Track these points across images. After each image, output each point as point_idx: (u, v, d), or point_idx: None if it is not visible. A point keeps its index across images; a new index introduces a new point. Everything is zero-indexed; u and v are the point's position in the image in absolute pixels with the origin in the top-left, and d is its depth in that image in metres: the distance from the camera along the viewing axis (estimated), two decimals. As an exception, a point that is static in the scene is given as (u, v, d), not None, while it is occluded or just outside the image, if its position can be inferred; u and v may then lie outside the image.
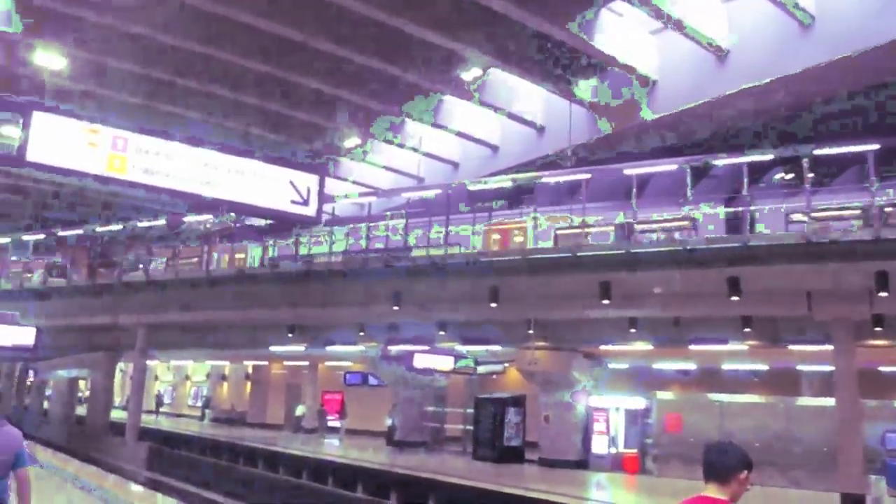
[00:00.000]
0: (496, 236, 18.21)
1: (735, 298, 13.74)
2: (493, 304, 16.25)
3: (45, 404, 37.87)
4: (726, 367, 20.40)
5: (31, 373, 35.44)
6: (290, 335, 22.15)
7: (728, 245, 13.97)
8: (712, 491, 3.07)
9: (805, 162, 13.88)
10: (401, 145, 24.93)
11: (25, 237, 28.06)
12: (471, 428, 22.46)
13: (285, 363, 33.45)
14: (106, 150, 6.27)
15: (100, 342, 26.79)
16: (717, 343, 17.26)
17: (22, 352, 22.41)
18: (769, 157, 15.58)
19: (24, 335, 21.05)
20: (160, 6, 17.04)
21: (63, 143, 6.17)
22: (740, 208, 14.86)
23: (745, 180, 14.56)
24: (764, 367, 20.20)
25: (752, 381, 20.48)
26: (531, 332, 17.94)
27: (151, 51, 19.00)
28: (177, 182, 6.53)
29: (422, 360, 22.76)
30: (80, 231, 26.74)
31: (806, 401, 17.61)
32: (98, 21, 17.47)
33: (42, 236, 27.50)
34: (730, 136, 19.49)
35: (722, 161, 15.89)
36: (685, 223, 15.14)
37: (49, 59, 19.20)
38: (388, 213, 21.49)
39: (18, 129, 6.18)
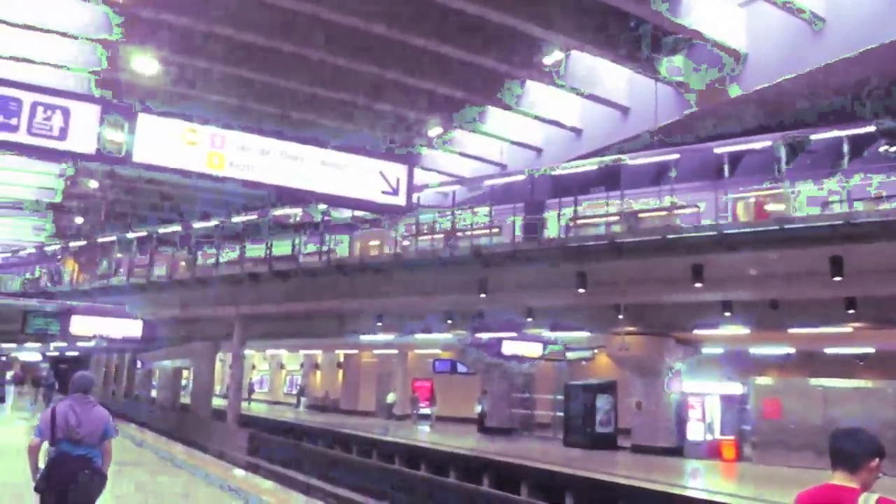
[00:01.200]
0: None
1: (837, 279, 13.15)
2: (581, 290, 16.10)
3: (153, 393, 39.97)
4: (829, 350, 19.55)
5: (138, 363, 37.43)
6: (378, 324, 22.59)
7: (828, 223, 13.36)
8: (840, 479, 2.93)
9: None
10: (483, 132, 24.91)
11: (130, 235, 29.57)
12: (560, 414, 22.36)
13: (375, 351, 34.11)
14: (205, 148, 6.53)
15: (200, 333, 28.03)
16: (818, 326, 16.56)
17: (130, 343, 23.77)
18: (871, 129, 14.79)
19: (132, 327, 22.35)
20: (243, 6, 17.57)
21: (165, 142, 6.49)
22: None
23: (847, 155, 13.90)
24: (870, 349, 19.25)
25: (857, 364, 19.57)
26: (621, 317, 17.69)
27: (237, 50, 19.62)
28: (272, 176, 6.75)
29: (510, 347, 22.78)
30: (178, 228, 28.01)
31: (918, 385, 16.69)
32: (185, 24, 18.16)
33: (144, 233, 28.90)
34: (827, 109, 18.56)
35: (819, 135, 15.20)
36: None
37: (143, 64, 20.12)
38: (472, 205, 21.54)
39: (122, 132, 6.51)
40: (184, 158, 6.43)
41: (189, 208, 33.27)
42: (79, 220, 36.47)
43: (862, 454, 2.93)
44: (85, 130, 6.27)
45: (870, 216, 13.10)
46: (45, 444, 5.35)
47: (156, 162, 6.42)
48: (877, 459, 2.93)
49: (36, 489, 5.26)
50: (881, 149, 16.19)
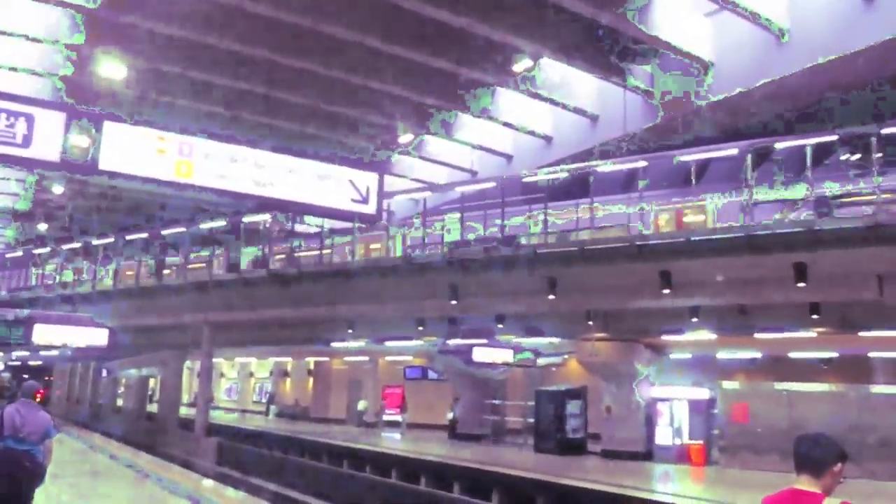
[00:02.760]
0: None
1: (802, 284, 13.41)
2: (551, 296, 16.20)
3: (119, 402, 39.33)
4: (794, 354, 19.89)
5: (104, 372, 36.81)
6: (349, 331, 22.49)
7: (792, 230, 13.62)
8: (804, 483, 2.99)
9: (873, 141, 13.42)
10: (454, 139, 24.97)
11: (95, 241, 29.07)
12: (532, 420, 22.44)
13: (346, 358, 33.96)
14: (173, 157, 6.45)
15: (168, 341, 27.65)
16: (783, 331, 16.84)
17: (96, 352, 23.39)
18: (833, 137, 15.12)
19: (97, 336, 21.97)
20: (214, 11, 17.42)
21: (132, 150, 6.39)
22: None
23: (809, 162, 14.18)
24: (834, 354, 19.63)
25: (821, 368, 19.93)
26: (591, 323, 17.82)
27: (208, 56, 19.43)
28: (241, 184, 6.69)
29: (481, 354, 22.80)
30: (144, 235, 27.60)
31: (880, 388, 17.04)
32: (153, 28, 17.96)
33: (111, 240, 28.44)
34: (792, 117, 18.95)
35: (784, 144, 15.50)
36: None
37: (111, 69, 19.81)
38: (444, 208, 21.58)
39: (88, 139, 6.41)
40: (151, 167, 6.34)
41: (157, 214, 32.82)
42: (42, 226, 35.76)
43: (825, 459, 2.99)
44: (50, 138, 6.15)
45: (830, 224, 13.37)
46: None
47: (122, 170, 6.33)
48: (839, 464, 3.00)
49: None
50: (842, 157, 16.55)
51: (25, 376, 35.55)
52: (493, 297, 18.08)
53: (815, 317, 14.98)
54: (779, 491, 3.03)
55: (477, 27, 17.27)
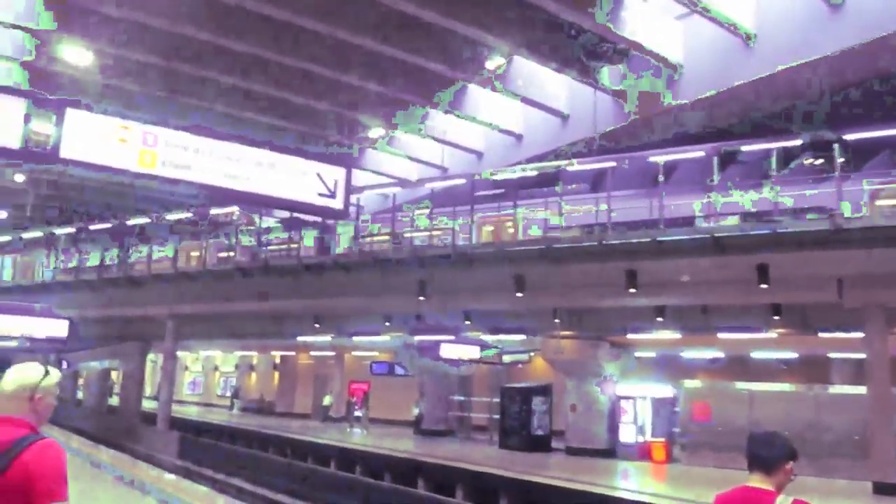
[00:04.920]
0: (489, 228, 19.49)
1: (764, 286, 13.61)
2: (519, 294, 16.25)
3: (80, 395, 38.63)
4: (755, 355, 20.20)
5: (63, 364, 36.09)
6: (316, 325, 22.35)
7: (756, 232, 13.83)
8: (757, 481, 3.03)
9: (835, 146, 13.67)
10: (425, 135, 24.92)
11: (58, 231, 28.50)
12: (497, 417, 22.51)
13: (312, 353, 33.74)
14: (137, 146, 6.31)
15: (131, 333, 27.22)
16: (745, 331, 17.09)
17: (55, 343, 22.91)
18: (798, 142, 15.38)
19: (57, 327, 21.49)
20: None
21: (95, 139, 6.23)
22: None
23: (774, 166, 14.41)
24: (793, 354, 19.98)
25: (781, 369, 20.27)
26: (557, 320, 17.92)
27: (176, 45, 19.15)
28: (206, 176, 6.57)
29: (448, 350, 22.79)
30: (109, 224, 27.13)
31: (837, 389, 17.40)
32: (122, 15, 17.64)
33: (73, 230, 27.90)
34: (758, 121, 19.23)
35: (750, 147, 15.73)
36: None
37: (76, 56, 19.42)
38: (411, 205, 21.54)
39: (50, 127, 6.27)
40: (115, 156, 6.19)
41: (122, 204, 32.26)
42: (2, 214, 34.99)
43: (777, 458, 3.03)
44: (10, 125, 5.99)
45: (793, 226, 13.60)
46: None
47: (85, 159, 6.18)
48: (790, 462, 3.04)
49: None
50: (806, 161, 16.85)
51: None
52: (460, 293, 18.08)
53: (776, 318, 15.23)
54: (732, 488, 3.07)
55: (450, 23, 17.26)
